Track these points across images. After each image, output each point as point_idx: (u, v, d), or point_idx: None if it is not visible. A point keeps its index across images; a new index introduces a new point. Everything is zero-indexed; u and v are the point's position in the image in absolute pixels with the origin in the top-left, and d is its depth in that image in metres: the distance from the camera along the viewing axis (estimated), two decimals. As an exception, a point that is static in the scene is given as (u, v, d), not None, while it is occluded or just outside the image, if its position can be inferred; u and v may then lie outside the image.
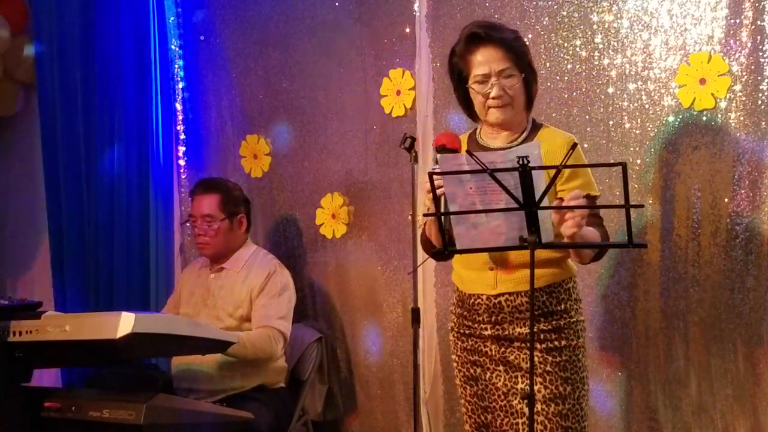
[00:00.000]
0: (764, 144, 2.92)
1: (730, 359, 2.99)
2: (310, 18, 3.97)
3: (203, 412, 3.16)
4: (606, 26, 3.19)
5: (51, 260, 4.50)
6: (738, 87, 2.94)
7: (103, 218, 4.36)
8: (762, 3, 2.89)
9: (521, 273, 2.51)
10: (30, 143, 4.74)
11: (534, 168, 2.19)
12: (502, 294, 2.56)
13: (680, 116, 3.06)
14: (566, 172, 2.49)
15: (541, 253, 2.42)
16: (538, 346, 2.52)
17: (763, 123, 2.91)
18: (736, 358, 2.98)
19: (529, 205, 2.23)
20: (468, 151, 2.27)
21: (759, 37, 2.90)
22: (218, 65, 4.25)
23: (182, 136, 4.34)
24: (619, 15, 3.16)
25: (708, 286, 3.03)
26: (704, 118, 3.01)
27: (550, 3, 3.30)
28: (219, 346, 3.22)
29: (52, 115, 4.46)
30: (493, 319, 2.58)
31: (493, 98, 2.53)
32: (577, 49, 3.25)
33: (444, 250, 2.42)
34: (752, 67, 2.91)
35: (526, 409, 2.38)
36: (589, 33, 3.23)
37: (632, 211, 2.21)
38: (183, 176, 4.32)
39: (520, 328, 2.54)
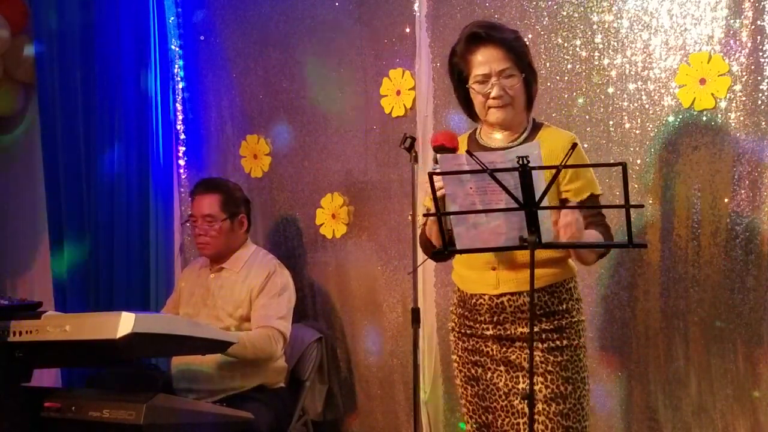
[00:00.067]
0: (764, 144, 2.92)
1: (730, 359, 2.99)
2: (310, 18, 3.97)
3: (203, 412, 3.16)
4: (606, 26, 3.19)
5: (51, 260, 4.50)
6: (738, 87, 2.94)
7: (103, 218, 4.36)
8: (762, 3, 2.89)
9: (524, 273, 2.50)
10: (30, 143, 4.74)
11: (534, 168, 2.19)
12: (505, 294, 2.56)
13: (680, 116, 3.06)
14: (569, 171, 2.50)
15: (543, 253, 2.42)
16: (540, 345, 2.52)
17: (763, 123, 2.91)
18: (736, 358, 2.98)
19: (529, 205, 2.23)
20: (468, 151, 2.27)
21: (759, 37, 2.90)
22: (218, 65, 4.25)
23: (182, 136, 4.34)
24: (619, 15, 3.16)
25: (708, 286, 3.03)
26: (704, 118, 3.01)
27: (550, 3, 3.30)
28: (219, 346, 3.22)
29: (52, 115, 4.46)
30: (494, 319, 2.58)
31: (494, 98, 2.53)
32: (577, 49, 3.25)
33: (444, 250, 2.42)
34: (752, 67, 2.91)
35: (527, 409, 2.37)
36: (589, 33, 3.23)
37: (632, 211, 2.22)
38: (183, 176, 4.32)
39: (522, 328, 2.54)
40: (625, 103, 3.16)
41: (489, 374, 2.62)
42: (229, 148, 4.25)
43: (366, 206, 3.86)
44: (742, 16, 2.93)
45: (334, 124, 3.93)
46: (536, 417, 2.50)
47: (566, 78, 3.27)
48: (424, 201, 2.83)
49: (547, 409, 2.52)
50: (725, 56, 2.95)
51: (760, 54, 2.90)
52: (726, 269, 2.99)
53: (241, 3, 4.16)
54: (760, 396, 2.94)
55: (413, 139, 2.77)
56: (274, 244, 4.06)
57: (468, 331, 2.65)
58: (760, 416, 2.94)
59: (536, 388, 2.50)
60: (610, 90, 3.18)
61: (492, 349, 2.61)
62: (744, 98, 2.94)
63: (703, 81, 2.98)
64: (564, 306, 2.57)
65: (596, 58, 3.21)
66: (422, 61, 3.59)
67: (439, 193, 2.35)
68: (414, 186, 2.83)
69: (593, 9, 3.21)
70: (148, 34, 4.29)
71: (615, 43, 3.17)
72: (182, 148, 4.34)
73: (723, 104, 2.97)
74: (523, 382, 2.54)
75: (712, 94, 2.97)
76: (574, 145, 2.30)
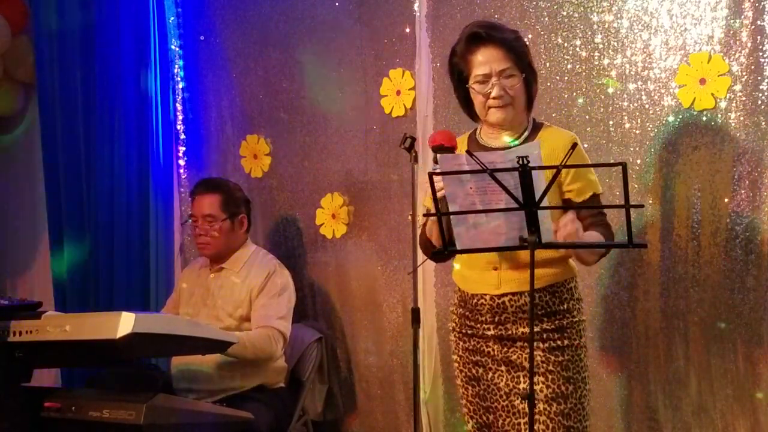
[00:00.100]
0: (764, 144, 2.92)
1: (730, 359, 2.99)
2: (310, 18, 3.97)
3: (203, 412, 3.16)
4: (606, 26, 3.19)
5: (51, 260, 4.50)
6: (738, 87, 2.94)
7: (103, 218, 4.36)
8: (762, 3, 2.89)
9: (526, 273, 2.48)
10: (30, 143, 4.74)
11: (534, 168, 2.19)
12: (506, 294, 2.56)
13: (680, 116, 3.06)
14: (570, 172, 2.50)
15: (544, 253, 2.42)
16: (541, 345, 2.53)
17: (763, 123, 2.91)
18: (736, 358, 2.98)
19: (529, 205, 2.23)
20: (468, 151, 2.27)
21: (759, 37, 2.90)
22: (218, 65, 4.25)
23: (182, 136, 4.34)
24: (619, 15, 3.16)
25: (708, 286, 3.03)
26: (704, 118, 3.01)
27: (550, 3, 3.30)
28: (219, 346, 3.22)
29: (52, 115, 4.46)
30: (496, 319, 2.58)
31: (494, 98, 2.53)
32: (577, 49, 3.25)
33: (444, 250, 2.42)
34: (752, 67, 2.91)
35: (528, 409, 2.37)
36: (589, 33, 3.23)
37: (632, 211, 2.22)
38: (183, 176, 4.32)
39: (524, 328, 2.54)
40: (625, 103, 3.16)
41: (490, 374, 2.62)
42: (229, 148, 4.25)
43: (366, 206, 3.86)
44: (742, 16, 2.93)
45: (334, 124, 3.93)
46: (537, 417, 2.50)
47: (566, 78, 3.27)
48: (424, 201, 2.83)
49: (548, 409, 2.52)
50: (725, 56, 2.95)
51: (760, 54, 2.90)
52: (726, 269, 2.99)
53: (241, 3, 4.16)
54: (762, 396, 2.94)
55: (413, 139, 2.77)
56: (274, 244, 4.05)
57: (469, 332, 2.65)
58: (760, 416, 2.94)
59: (537, 387, 2.50)
60: (610, 90, 3.18)
61: (493, 350, 2.61)
62: (744, 98, 2.94)
63: (703, 81, 2.98)
64: (565, 306, 2.57)
65: (596, 58, 3.21)
66: (422, 61, 3.59)
67: (439, 194, 2.34)
68: (414, 186, 2.83)
69: (593, 9, 3.21)
70: (148, 34, 4.29)
71: (615, 43, 3.17)
72: (182, 148, 4.33)
73: (723, 104, 2.97)
74: (524, 382, 2.54)
75: (712, 94, 2.97)
76: (574, 145, 2.30)
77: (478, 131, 2.68)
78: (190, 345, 3.13)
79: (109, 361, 3.48)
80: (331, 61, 3.92)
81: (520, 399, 2.54)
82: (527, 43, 2.75)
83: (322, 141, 3.96)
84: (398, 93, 3.69)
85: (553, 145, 2.50)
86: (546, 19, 3.30)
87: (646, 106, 3.12)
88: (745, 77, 2.93)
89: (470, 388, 2.68)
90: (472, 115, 2.66)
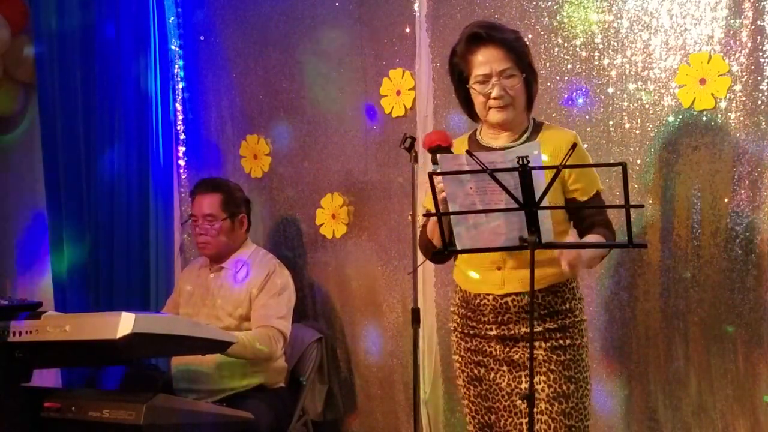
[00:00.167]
0: (764, 144, 2.92)
1: (730, 359, 2.99)
2: (310, 18, 3.97)
3: (203, 412, 3.16)
4: (606, 26, 3.19)
5: (51, 260, 4.50)
6: (738, 87, 2.94)
7: (103, 218, 4.36)
8: (762, 3, 2.89)
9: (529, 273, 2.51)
10: (30, 143, 4.74)
11: (534, 168, 2.19)
12: (509, 294, 2.56)
13: (680, 116, 3.06)
14: (573, 171, 2.50)
15: (546, 253, 2.42)
16: (543, 344, 2.53)
17: (763, 123, 2.91)
18: (736, 358, 2.98)
19: (529, 205, 2.23)
20: (468, 151, 2.27)
21: (759, 37, 2.90)
22: (218, 65, 4.25)
23: (182, 136, 4.34)
24: (619, 15, 3.16)
25: (708, 286, 3.03)
26: (704, 118, 3.01)
27: (550, 3, 3.30)
28: (219, 346, 3.22)
29: (52, 115, 4.46)
30: (498, 319, 2.58)
31: (494, 98, 2.53)
32: (577, 49, 3.25)
33: (444, 250, 2.42)
34: (752, 67, 2.91)
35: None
36: (589, 33, 3.23)
37: (632, 211, 2.22)
38: (183, 176, 4.32)
39: (526, 327, 2.53)
40: (625, 103, 3.16)
41: (492, 374, 2.62)
42: (229, 148, 4.25)
43: (366, 206, 3.86)
44: (742, 16, 2.93)
45: (334, 124, 3.93)
46: (539, 416, 2.50)
47: (566, 78, 3.27)
48: (424, 201, 2.83)
49: (550, 408, 2.52)
50: (725, 56, 2.95)
51: (760, 54, 2.90)
52: (726, 269, 2.99)
53: (241, 3, 4.16)
54: (760, 396, 2.94)
55: (413, 139, 2.77)
56: (274, 244, 4.05)
57: (471, 332, 2.65)
58: (760, 416, 2.93)
59: (539, 387, 2.51)
60: (610, 90, 3.18)
61: (495, 350, 2.60)
62: (744, 98, 2.94)
63: (703, 81, 2.98)
64: (567, 305, 2.57)
65: (596, 58, 3.21)
66: (422, 61, 3.59)
67: (440, 196, 2.34)
68: (414, 186, 2.83)
69: (593, 9, 3.21)
70: (148, 34, 4.29)
71: (615, 43, 3.17)
72: (182, 148, 4.34)
73: (723, 104, 2.97)
74: (527, 382, 2.53)
75: (712, 94, 2.97)
76: (574, 146, 2.30)
77: (478, 131, 2.68)
78: (190, 345, 3.13)
79: (109, 361, 3.48)
80: (331, 61, 3.92)
81: (520, 399, 2.54)
82: (527, 43, 2.75)
83: (322, 141, 3.96)
84: (398, 93, 3.69)
85: (555, 144, 2.50)
86: (546, 19, 3.30)
87: (646, 106, 3.12)
88: (745, 77, 2.93)
89: (472, 388, 2.67)
90: (473, 116, 2.66)
